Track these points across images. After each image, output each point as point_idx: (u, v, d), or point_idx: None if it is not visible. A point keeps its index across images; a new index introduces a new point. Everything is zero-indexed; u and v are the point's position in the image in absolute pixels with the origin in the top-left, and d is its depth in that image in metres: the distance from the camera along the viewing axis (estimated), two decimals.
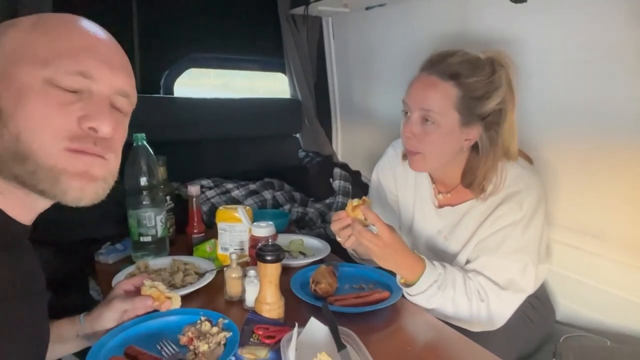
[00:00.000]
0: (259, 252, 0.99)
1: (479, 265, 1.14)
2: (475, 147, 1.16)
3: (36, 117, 0.59)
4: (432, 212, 1.29)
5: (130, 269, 1.22)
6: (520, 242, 1.12)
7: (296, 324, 0.87)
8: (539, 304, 1.31)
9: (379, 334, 1.00)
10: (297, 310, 1.08)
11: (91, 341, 0.93)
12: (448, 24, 1.67)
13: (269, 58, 2.47)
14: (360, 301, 1.10)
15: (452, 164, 1.20)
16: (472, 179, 1.17)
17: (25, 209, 0.67)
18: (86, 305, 1.37)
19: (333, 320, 0.91)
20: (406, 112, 1.17)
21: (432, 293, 1.08)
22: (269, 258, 0.99)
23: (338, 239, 1.17)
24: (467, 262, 1.19)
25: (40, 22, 0.64)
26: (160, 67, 2.22)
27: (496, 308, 1.10)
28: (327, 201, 2.24)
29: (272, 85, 2.60)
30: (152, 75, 2.19)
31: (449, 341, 1.00)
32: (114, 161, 0.69)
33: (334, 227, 1.16)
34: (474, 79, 1.09)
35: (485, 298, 1.10)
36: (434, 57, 1.15)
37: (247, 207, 1.30)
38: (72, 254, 1.43)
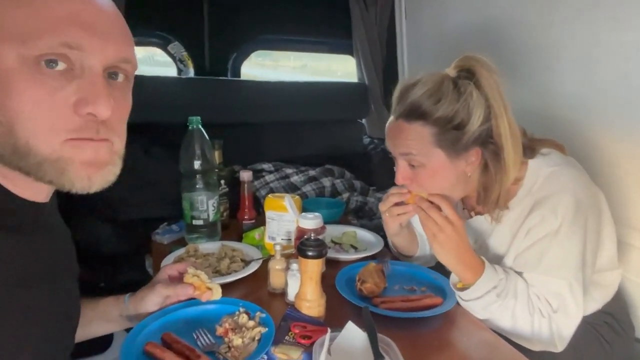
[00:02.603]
0: (300, 247, 0.95)
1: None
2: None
3: (27, 110, 0.54)
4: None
5: (180, 251, 1.23)
6: (562, 255, 0.97)
7: (328, 330, 0.81)
8: (614, 321, 1.14)
9: (425, 346, 0.91)
10: (339, 309, 1.02)
11: (133, 322, 0.94)
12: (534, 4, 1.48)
13: (336, 40, 2.40)
14: (408, 305, 1.02)
15: (468, 186, 1.08)
16: (486, 198, 1.05)
17: (37, 191, 0.65)
18: (142, 281, 1.42)
19: (373, 326, 0.85)
20: (394, 158, 1.08)
21: (490, 301, 0.97)
22: (310, 254, 0.93)
23: (385, 215, 1.12)
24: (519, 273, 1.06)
25: None
26: (228, 49, 2.23)
27: (557, 327, 0.96)
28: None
29: (350, 67, 2.52)
30: (220, 58, 2.22)
31: None
32: (119, 142, 0.63)
33: (389, 199, 1.11)
34: (440, 111, 0.97)
35: (547, 314, 0.96)
36: (398, 93, 1.04)
37: (296, 197, 1.25)
38: (131, 231, 1.49)
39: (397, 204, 1.11)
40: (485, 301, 0.98)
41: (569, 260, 0.97)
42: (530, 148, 1.05)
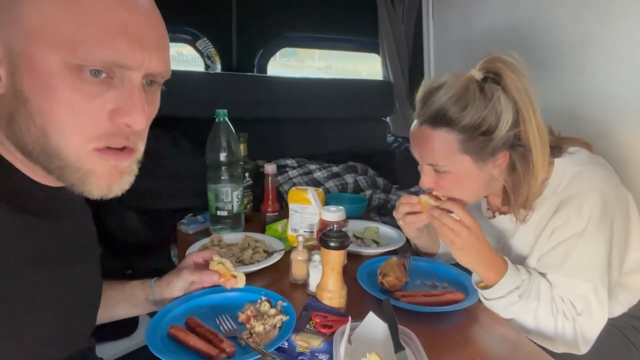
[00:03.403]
0: (323, 238, 0.95)
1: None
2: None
3: (64, 114, 0.55)
4: (484, 224, 1.14)
5: (205, 241, 1.26)
6: (587, 257, 0.95)
7: (349, 318, 0.82)
8: None
9: (446, 341, 0.91)
10: (360, 301, 1.03)
11: (158, 307, 0.96)
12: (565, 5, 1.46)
13: (362, 38, 2.40)
14: (429, 300, 1.01)
15: (493, 186, 1.06)
16: (514, 200, 1.03)
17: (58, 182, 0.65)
18: (167, 270, 1.46)
19: (394, 317, 0.85)
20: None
21: (512, 301, 0.96)
22: (332, 244, 0.94)
23: (400, 223, 1.12)
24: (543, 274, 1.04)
25: None
26: (254, 46, 2.26)
27: (580, 330, 0.94)
28: (413, 189, 2.13)
29: (375, 68, 2.51)
30: (246, 55, 2.24)
31: None
32: (142, 148, 0.65)
33: (400, 210, 1.11)
34: (467, 118, 0.94)
35: (570, 317, 0.95)
36: (422, 96, 1.01)
37: (319, 190, 1.26)
38: (158, 221, 1.52)
39: (409, 213, 1.10)
40: (507, 301, 0.97)
41: (594, 262, 0.95)
42: (556, 147, 1.02)
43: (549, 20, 1.50)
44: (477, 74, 0.97)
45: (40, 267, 0.62)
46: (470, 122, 0.94)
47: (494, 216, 1.16)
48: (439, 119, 0.97)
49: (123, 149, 0.61)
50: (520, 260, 1.08)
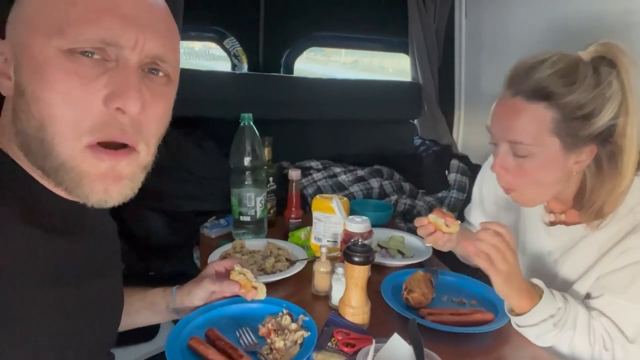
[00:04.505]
0: (347, 252, 0.92)
1: (603, 304, 0.92)
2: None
3: (57, 102, 0.52)
4: (541, 230, 1.07)
5: (227, 247, 1.24)
6: None
7: (373, 341, 0.79)
8: None
9: None
10: (384, 317, 0.99)
11: (179, 315, 0.95)
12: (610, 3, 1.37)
13: (391, 38, 2.34)
14: (457, 319, 0.97)
15: (564, 188, 0.97)
16: (589, 203, 0.93)
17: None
18: (189, 272, 1.46)
19: (419, 340, 0.81)
20: (495, 143, 0.97)
21: (546, 329, 0.90)
22: (356, 259, 0.91)
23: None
24: (587, 296, 0.97)
25: None
26: (281, 46, 2.24)
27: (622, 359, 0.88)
28: (440, 195, 2.08)
29: (403, 64, 2.46)
30: (273, 54, 2.23)
31: None
32: (146, 151, 0.60)
33: (419, 233, 1.08)
34: (572, 96, 0.85)
35: (610, 347, 0.88)
36: (517, 70, 0.91)
37: (344, 199, 1.23)
38: (181, 223, 1.52)
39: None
40: (540, 329, 0.90)
41: None
42: None
43: (592, 19, 1.42)
44: (587, 55, 0.89)
45: (58, 285, 0.60)
46: (574, 101, 0.86)
47: (554, 224, 1.06)
48: (538, 92, 0.87)
49: (120, 148, 0.57)
50: (572, 277, 1.00)
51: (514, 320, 0.94)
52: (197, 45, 2.63)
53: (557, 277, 1.03)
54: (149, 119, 0.59)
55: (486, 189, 1.25)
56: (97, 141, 0.55)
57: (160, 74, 0.60)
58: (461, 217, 1.92)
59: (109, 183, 0.57)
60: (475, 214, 1.30)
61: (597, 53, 0.88)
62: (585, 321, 0.90)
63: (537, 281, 0.93)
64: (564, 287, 1.01)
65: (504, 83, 0.94)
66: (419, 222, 1.06)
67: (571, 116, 0.86)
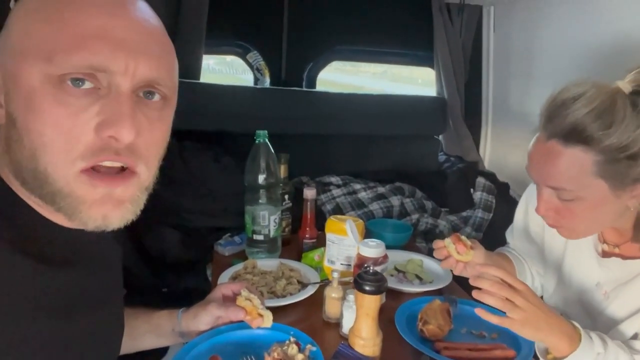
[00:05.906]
0: (357, 280, 0.88)
1: None
2: None
3: (48, 132, 0.50)
4: (593, 260, 0.99)
5: (238, 267, 1.22)
6: None
7: None
8: None
9: None
10: (396, 349, 0.94)
11: (185, 338, 0.93)
12: None
13: (416, 51, 2.30)
14: (475, 355, 0.91)
15: (621, 220, 0.90)
16: None
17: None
18: (202, 288, 1.43)
19: None
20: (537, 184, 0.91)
21: None
22: (367, 288, 0.87)
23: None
24: (635, 336, 0.89)
25: (41, 2, 0.52)
26: (304, 60, 2.23)
27: None
28: (464, 214, 2.00)
29: (432, 75, 2.40)
30: (296, 68, 2.22)
31: None
32: (146, 173, 0.57)
33: (436, 256, 1.04)
34: (611, 139, 0.77)
35: None
36: (550, 108, 0.84)
37: (359, 221, 1.18)
38: (196, 239, 1.51)
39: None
40: None
41: None
42: None
43: (631, 38, 1.34)
44: (626, 86, 0.82)
45: (49, 317, 0.57)
46: (616, 143, 0.78)
47: (607, 254, 0.98)
48: (574, 135, 0.81)
49: (118, 172, 0.55)
50: (622, 314, 0.92)
51: None
52: (229, 57, 2.64)
53: (604, 312, 0.95)
54: (147, 142, 0.57)
55: (532, 204, 1.16)
56: (91, 165, 0.53)
57: (156, 97, 0.57)
58: (487, 238, 1.86)
59: (108, 209, 0.55)
60: (518, 238, 1.22)
61: (635, 83, 0.81)
62: None
63: (575, 323, 0.86)
64: (611, 323, 0.93)
65: (539, 121, 0.87)
66: (436, 244, 1.02)
67: (615, 158, 0.79)
